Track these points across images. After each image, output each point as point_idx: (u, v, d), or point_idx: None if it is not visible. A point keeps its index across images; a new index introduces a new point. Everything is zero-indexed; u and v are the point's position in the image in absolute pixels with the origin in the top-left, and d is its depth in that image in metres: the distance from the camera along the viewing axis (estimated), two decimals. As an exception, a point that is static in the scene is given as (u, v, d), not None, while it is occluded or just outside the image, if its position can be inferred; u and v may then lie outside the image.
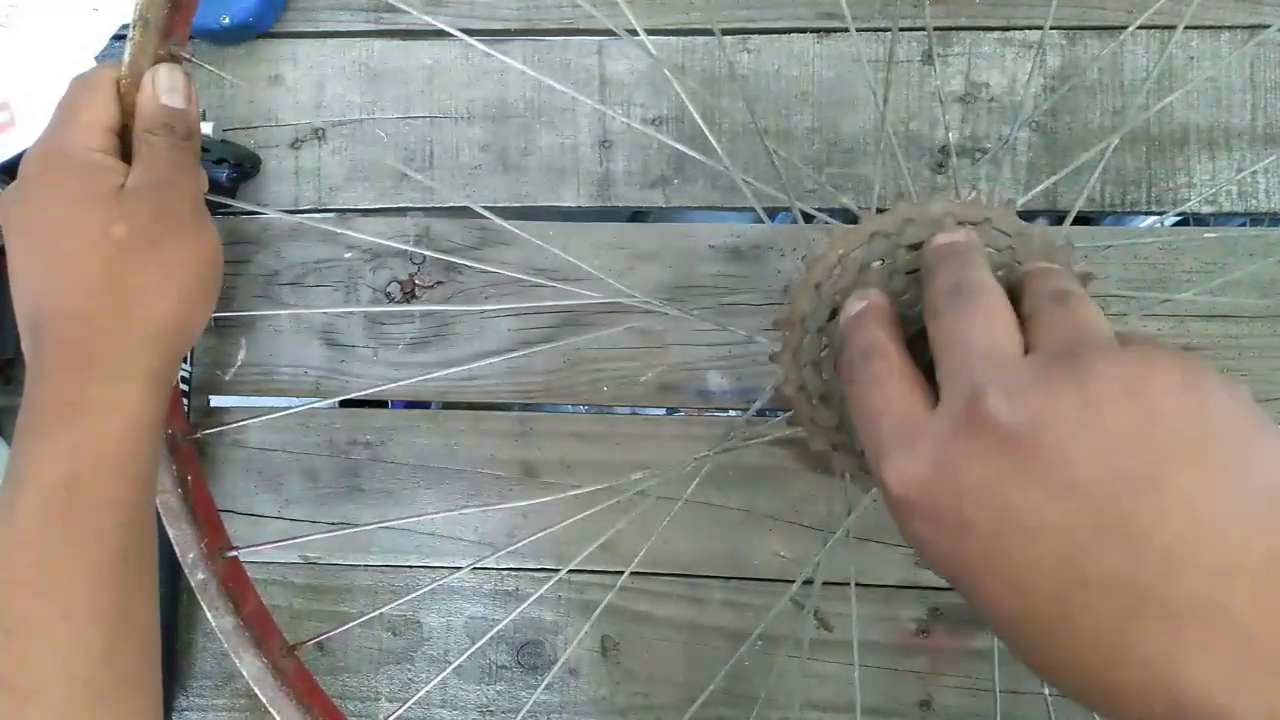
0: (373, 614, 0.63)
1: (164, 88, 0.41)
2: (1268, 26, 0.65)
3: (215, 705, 0.69)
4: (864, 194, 0.66)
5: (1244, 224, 0.71)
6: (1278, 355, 0.65)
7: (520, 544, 0.58)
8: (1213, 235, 0.65)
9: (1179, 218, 0.70)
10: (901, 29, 0.66)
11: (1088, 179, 0.64)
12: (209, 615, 0.47)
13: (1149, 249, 0.65)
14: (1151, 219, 0.69)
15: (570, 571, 0.65)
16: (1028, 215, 0.68)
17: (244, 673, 0.46)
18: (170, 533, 0.47)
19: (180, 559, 0.47)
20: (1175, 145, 0.66)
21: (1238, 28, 0.65)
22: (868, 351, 0.32)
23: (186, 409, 0.68)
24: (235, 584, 0.48)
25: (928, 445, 0.27)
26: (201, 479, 0.48)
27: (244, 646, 0.46)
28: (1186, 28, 0.65)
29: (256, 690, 0.46)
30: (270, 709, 0.46)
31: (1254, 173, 0.65)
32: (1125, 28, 0.65)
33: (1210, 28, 0.66)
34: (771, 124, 0.67)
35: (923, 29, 0.66)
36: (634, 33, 0.54)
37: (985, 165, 0.66)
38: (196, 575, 0.47)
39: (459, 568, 0.67)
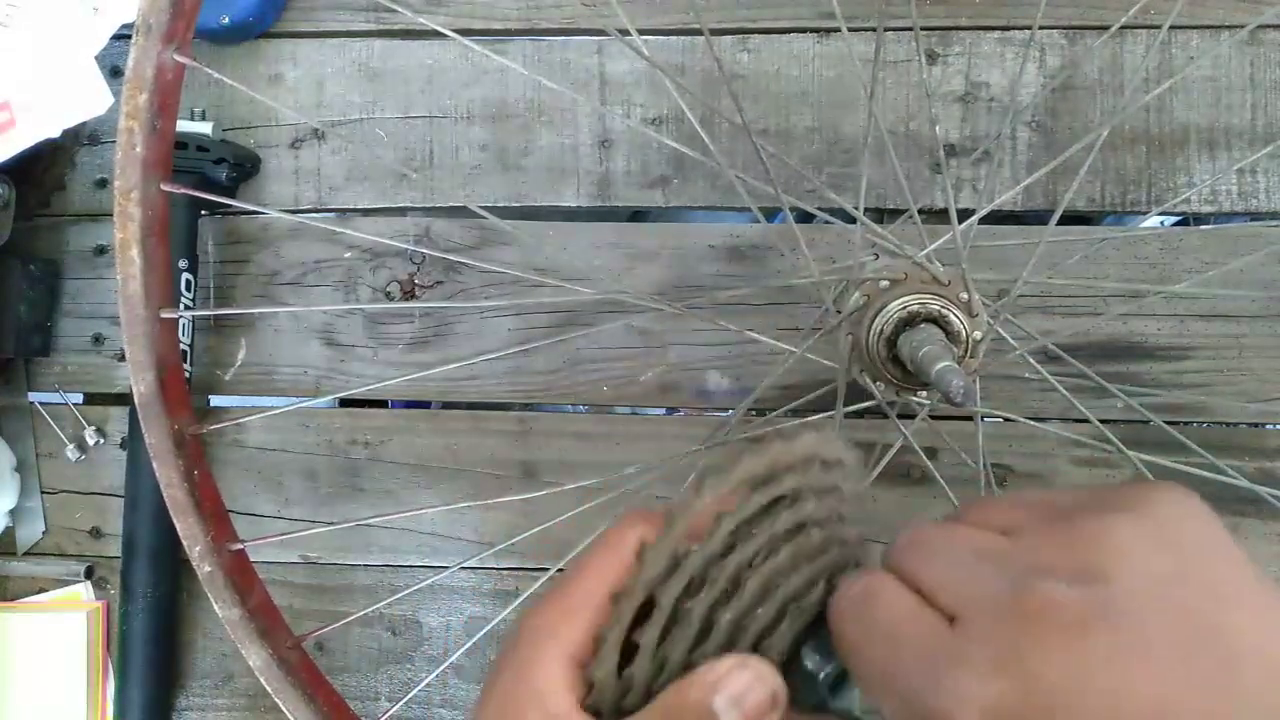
0: (366, 611, 0.63)
1: (727, 701, 0.27)
2: (1268, 26, 0.64)
3: (215, 705, 0.69)
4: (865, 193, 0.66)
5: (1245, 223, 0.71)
6: (1278, 355, 0.65)
7: (514, 541, 0.58)
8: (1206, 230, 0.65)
9: (1179, 218, 0.70)
10: (898, 29, 0.66)
11: (1084, 175, 0.64)
12: (215, 607, 0.47)
13: (1149, 248, 0.65)
14: (1152, 219, 0.69)
15: (570, 571, 0.65)
16: (1027, 214, 0.68)
17: (250, 663, 0.46)
18: (178, 526, 0.47)
19: (187, 552, 0.47)
20: (1175, 145, 0.66)
21: (1237, 27, 0.65)
22: (864, 595, 0.28)
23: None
24: (241, 577, 0.48)
25: (984, 656, 0.24)
26: (208, 473, 0.48)
27: (250, 638, 0.46)
28: (1186, 28, 0.65)
29: (262, 681, 0.46)
30: (276, 699, 0.46)
31: (1254, 172, 0.65)
32: (1125, 27, 0.64)
33: (1210, 27, 0.66)
34: (771, 124, 0.67)
35: (921, 28, 0.66)
36: (627, 34, 0.54)
37: (984, 165, 0.66)
38: (204, 568, 0.47)
39: (460, 567, 0.67)
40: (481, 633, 0.54)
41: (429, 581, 0.66)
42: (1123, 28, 0.64)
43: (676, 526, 0.28)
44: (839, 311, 0.49)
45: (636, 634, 0.28)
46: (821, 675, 0.28)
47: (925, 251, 0.47)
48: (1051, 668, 0.23)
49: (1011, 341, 0.53)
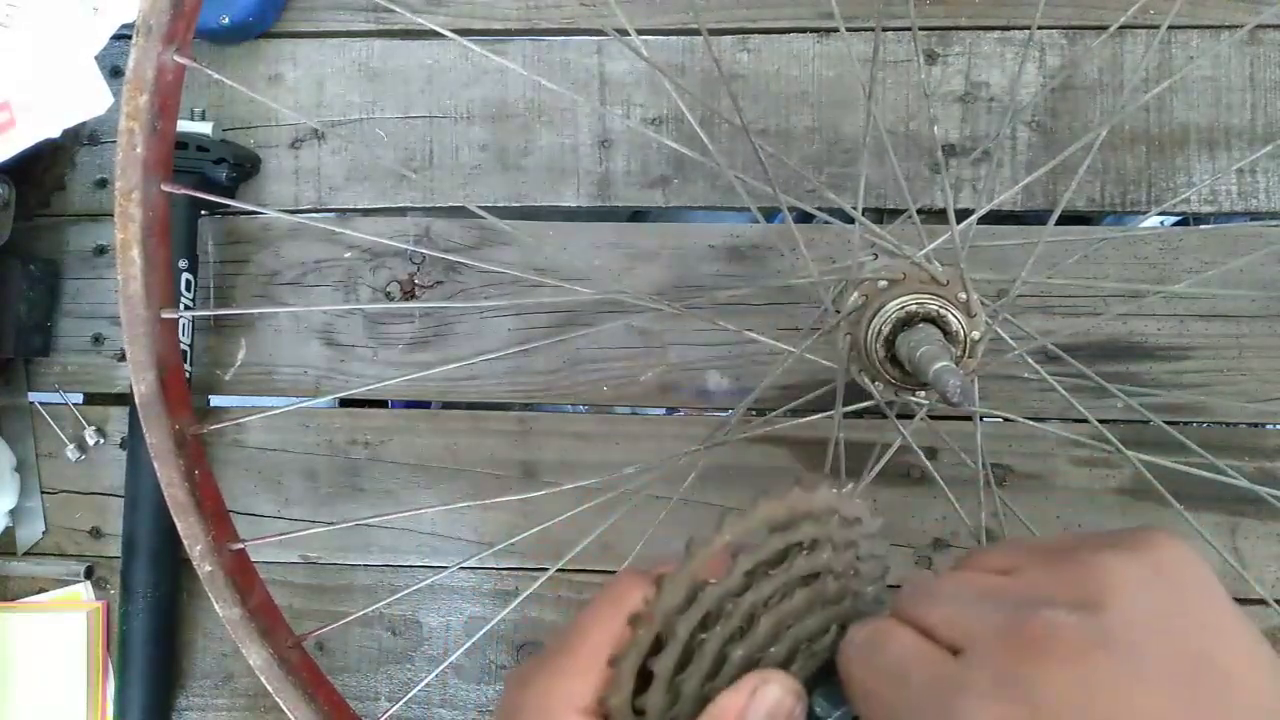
0: (366, 611, 0.63)
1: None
2: (1268, 26, 0.64)
3: (215, 705, 0.69)
4: (865, 193, 0.66)
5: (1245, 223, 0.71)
6: (1278, 355, 0.65)
7: (514, 541, 0.58)
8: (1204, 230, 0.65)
9: (1179, 218, 0.70)
10: (898, 29, 0.66)
11: (1083, 175, 0.64)
12: (216, 606, 0.47)
13: (1149, 249, 0.65)
14: (1152, 219, 0.69)
15: (569, 571, 0.65)
16: (1027, 214, 0.68)
17: (250, 663, 0.46)
18: (178, 526, 0.47)
19: (188, 551, 0.47)
20: (1175, 145, 0.66)
21: (1237, 27, 0.65)
22: (872, 637, 0.29)
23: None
24: (242, 576, 0.48)
25: (988, 681, 0.24)
26: (209, 472, 0.48)
27: (250, 638, 0.46)
28: (1186, 27, 0.65)
29: (263, 680, 0.46)
30: (276, 699, 0.46)
31: (1254, 172, 0.65)
32: (1125, 27, 0.64)
33: (1210, 27, 0.66)
34: (771, 124, 0.67)
35: (921, 29, 0.66)
36: (626, 34, 0.54)
37: (984, 165, 0.66)
38: (204, 567, 0.47)
39: (459, 567, 0.67)
40: (481, 632, 0.54)
41: (429, 581, 0.66)
42: (1122, 27, 0.65)
43: (696, 558, 0.28)
44: (838, 311, 0.49)
45: (650, 662, 0.28)
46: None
47: (924, 251, 0.47)
48: (1053, 690, 0.24)
49: (1010, 341, 0.53)
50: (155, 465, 0.45)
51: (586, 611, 0.30)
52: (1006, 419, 0.64)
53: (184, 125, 0.66)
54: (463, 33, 0.49)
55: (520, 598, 0.56)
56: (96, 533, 0.71)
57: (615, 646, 0.29)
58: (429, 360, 0.68)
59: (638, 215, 0.75)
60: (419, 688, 0.52)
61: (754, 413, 0.67)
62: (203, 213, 0.69)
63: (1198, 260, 0.65)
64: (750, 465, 0.66)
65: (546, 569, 0.66)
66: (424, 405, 0.72)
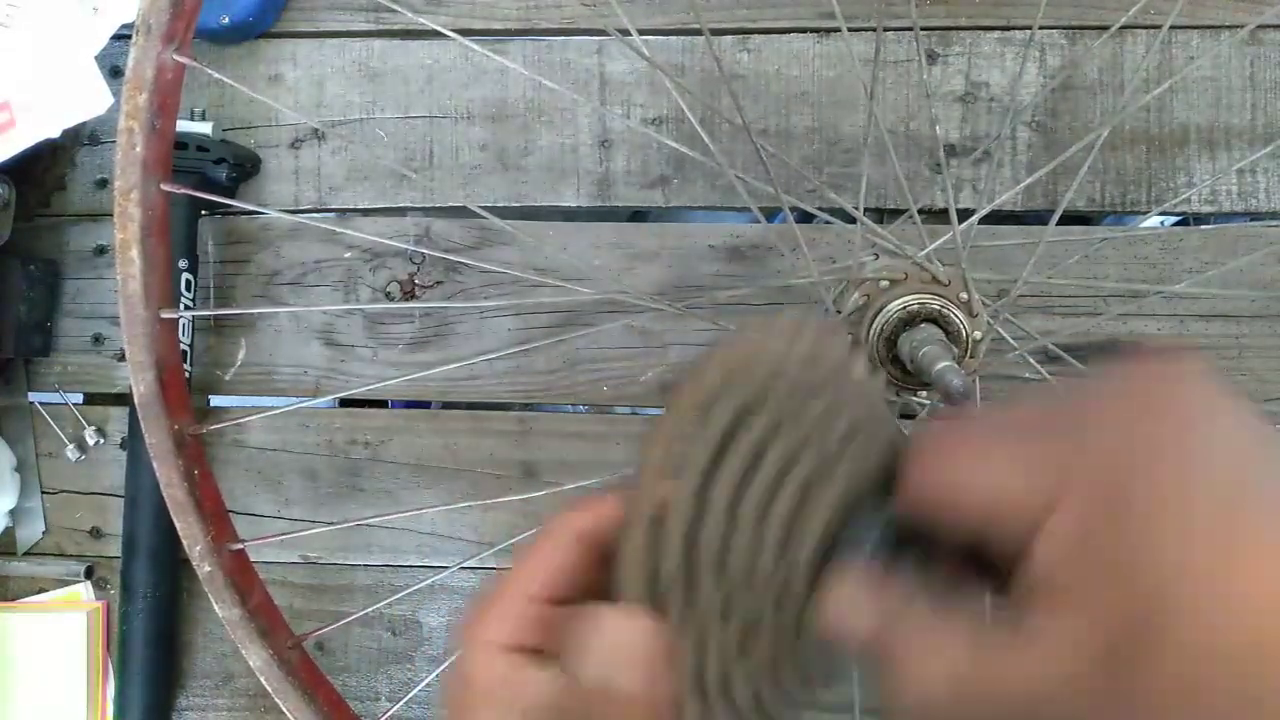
0: (366, 611, 0.63)
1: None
2: (1268, 26, 0.64)
3: (215, 705, 0.69)
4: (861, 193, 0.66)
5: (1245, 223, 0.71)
6: (1278, 355, 0.65)
7: (514, 541, 0.58)
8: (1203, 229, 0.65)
9: (1179, 218, 0.70)
10: (896, 28, 0.66)
11: (1084, 175, 0.64)
12: (215, 607, 0.47)
13: (1149, 249, 0.65)
14: (1152, 219, 0.69)
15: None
16: (1027, 214, 0.68)
17: (250, 663, 0.46)
18: (178, 526, 0.47)
19: (187, 552, 0.47)
20: (1175, 145, 0.66)
21: (1237, 27, 0.65)
22: (948, 425, 0.27)
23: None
24: (241, 577, 0.48)
25: (1068, 433, 0.23)
26: (208, 473, 0.48)
27: (250, 638, 0.47)
28: (1186, 28, 0.65)
29: (263, 680, 0.46)
30: (276, 699, 0.46)
31: (1254, 172, 0.65)
32: (1125, 27, 0.64)
33: (1210, 27, 0.66)
34: (772, 124, 0.67)
35: (921, 29, 0.66)
36: (627, 34, 0.54)
37: (984, 165, 0.66)
38: (203, 568, 0.47)
39: (460, 567, 0.67)
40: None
41: (429, 581, 0.66)
42: (1123, 28, 0.64)
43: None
44: (839, 311, 0.49)
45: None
46: (881, 526, 0.26)
47: (925, 251, 0.47)
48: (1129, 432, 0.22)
49: (1011, 341, 0.53)
50: (154, 465, 0.45)
51: (519, 555, 0.30)
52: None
53: (184, 125, 0.66)
54: (463, 33, 0.49)
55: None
56: (96, 533, 0.71)
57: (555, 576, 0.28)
58: (429, 360, 0.68)
59: (638, 215, 0.75)
60: (419, 688, 0.52)
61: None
62: (203, 213, 0.69)
63: (1198, 260, 0.65)
64: (750, 465, 0.66)
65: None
66: (424, 405, 0.72)
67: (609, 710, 0.25)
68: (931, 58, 0.66)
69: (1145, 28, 0.66)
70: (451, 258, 0.56)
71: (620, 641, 0.26)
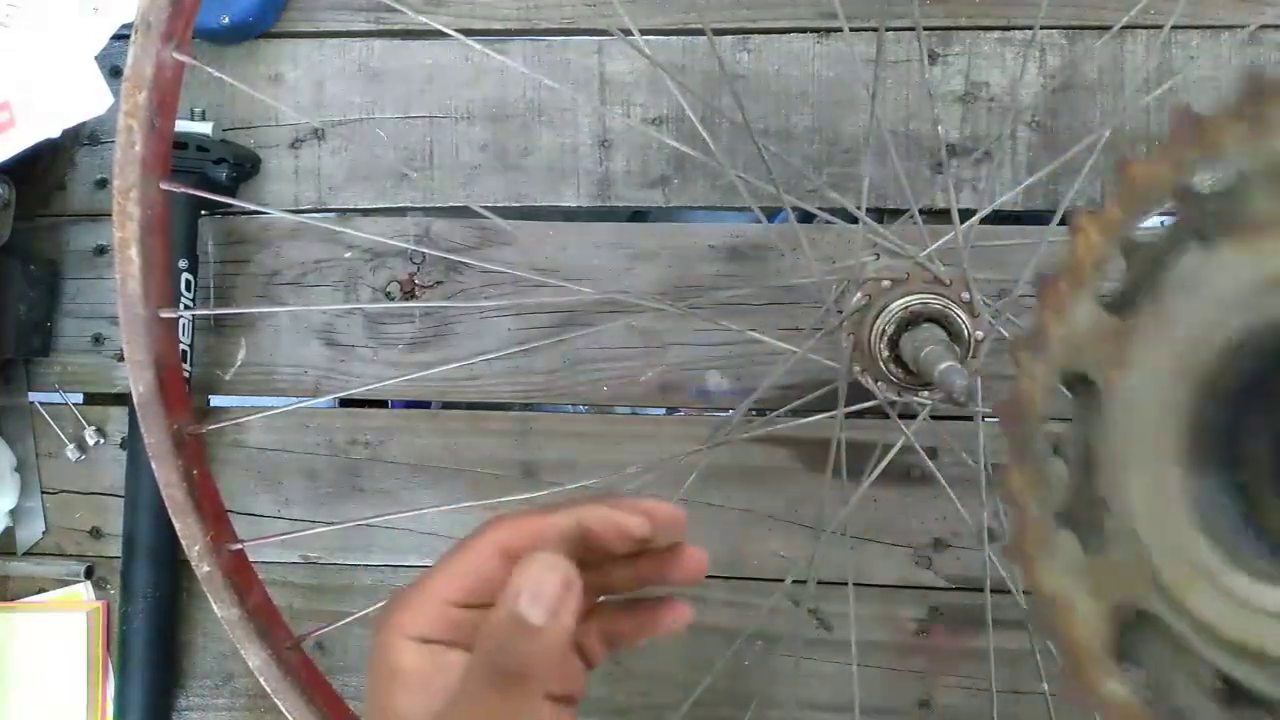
0: (366, 611, 0.63)
1: (528, 600, 0.28)
2: (1268, 26, 0.64)
3: (215, 705, 0.69)
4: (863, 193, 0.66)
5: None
6: (1279, 355, 0.65)
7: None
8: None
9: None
10: (897, 28, 0.66)
11: (1085, 176, 0.64)
12: (214, 606, 0.47)
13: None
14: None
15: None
16: (1028, 214, 0.68)
17: (250, 663, 0.46)
18: (177, 526, 0.47)
19: (186, 552, 0.47)
20: (1176, 145, 0.66)
21: (1237, 27, 0.65)
22: None
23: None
24: (240, 577, 0.48)
25: None
26: (207, 473, 0.48)
27: (249, 638, 0.46)
28: (1186, 28, 0.65)
29: (262, 681, 0.46)
30: (275, 699, 0.46)
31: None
32: (1126, 27, 0.64)
33: (1210, 27, 0.66)
34: (772, 124, 0.67)
35: (923, 29, 0.66)
36: (629, 33, 0.54)
37: (985, 165, 0.66)
38: (202, 568, 0.46)
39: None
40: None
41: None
42: (1123, 28, 0.64)
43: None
44: (840, 311, 0.49)
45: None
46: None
47: (927, 251, 0.47)
48: None
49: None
50: (154, 465, 0.45)
51: (442, 558, 0.32)
52: (1008, 419, 0.64)
53: (184, 125, 0.66)
54: (463, 33, 0.49)
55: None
56: (96, 533, 0.71)
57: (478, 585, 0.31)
58: (429, 360, 0.68)
59: (638, 215, 0.74)
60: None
61: (754, 413, 0.67)
62: (203, 213, 0.69)
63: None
64: (751, 465, 0.66)
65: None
66: (424, 405, 0.72)
67: (519, 641, 0.28)
68: (931, 58, 0.66)
69: (1146, 28, 0.66)
70: (452, 258, 0.56)
71: (541, 580, 0.28)
